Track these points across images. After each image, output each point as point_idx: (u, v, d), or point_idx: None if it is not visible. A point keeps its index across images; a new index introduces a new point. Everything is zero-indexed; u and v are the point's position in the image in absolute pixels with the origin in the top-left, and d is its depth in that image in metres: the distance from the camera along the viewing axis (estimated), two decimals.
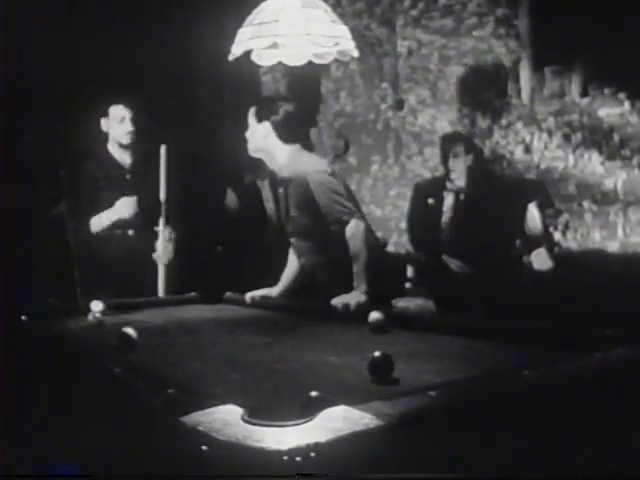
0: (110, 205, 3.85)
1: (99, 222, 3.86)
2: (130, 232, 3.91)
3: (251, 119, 3.23)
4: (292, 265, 3.38)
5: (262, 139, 3.20)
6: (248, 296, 3.27)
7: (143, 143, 3.94)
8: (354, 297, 2.93)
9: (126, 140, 3.88)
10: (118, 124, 3.87)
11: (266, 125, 3.18)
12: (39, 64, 4.62)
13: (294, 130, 3.25)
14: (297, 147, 3.23)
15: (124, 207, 3.83)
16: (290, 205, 3.22)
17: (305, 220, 3.18)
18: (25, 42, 4.51)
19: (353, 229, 3.06)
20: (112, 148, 3.95)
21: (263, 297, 3.26)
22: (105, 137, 3.95)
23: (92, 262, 3.90)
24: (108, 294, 3.27)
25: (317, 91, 5.59)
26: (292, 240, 3.32)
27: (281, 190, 3.27)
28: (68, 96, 4.67)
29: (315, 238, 3.20)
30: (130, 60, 4.78)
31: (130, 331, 2.23)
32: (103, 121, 3.91)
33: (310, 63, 3.52)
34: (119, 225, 3.86)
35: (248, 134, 3.26)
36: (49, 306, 3.19)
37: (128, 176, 3.96)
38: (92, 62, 4.74)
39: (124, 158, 3.95)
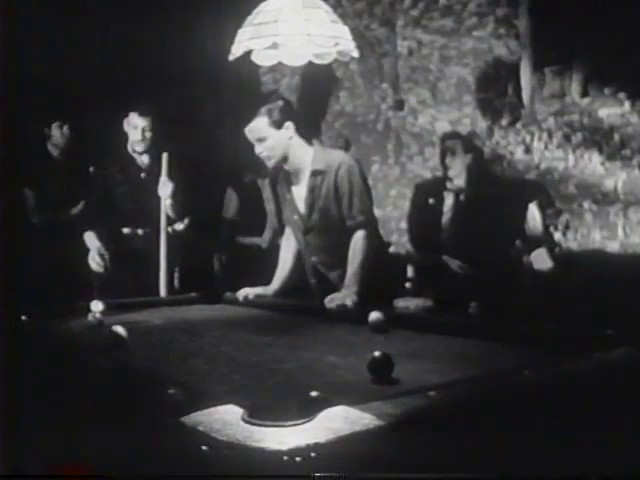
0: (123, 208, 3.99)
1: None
2: (139, 231, 3.96)
3: (266, 131, 3.08)
4: (286, 264, 3.35)
5: (287, 142, 3.10)
6: (242, 294, 3.26)
7: (156, 147, 4.00)
8: (345, 296, 2.94)
9: (139, 147, 4.01)
10: (133, 130, 3.99)
11: (288, 126, 3.09)
12: (61, 63, 4.68)
13: (310, 120, 3.18)
14: (317, 144, 3.22)
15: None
16: (317, 198, 3.15)
17: (332, 212, 3.14)
18: (35, 41, 4.57)
19: (358, 241, 3.09)
20: (130, 148, 4.06)
21: (258, 296, 3.25)
22: (125, 137, 4.04)
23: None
24: (121, 293, 3.31)
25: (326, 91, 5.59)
26: (306, 238, 3.26)
27: (308, 184, 3.17)
28: (80, 97, 4.71)
29: (335, 234, 3.16)
30: (132, 61, 4.80)
31: (120, 329, 2.23)
32: (125, 122, 4.01)
33: (310, 63, 3.53)
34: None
35: (264, 148, 3.11)
36: (49, 306, 3.19)
37: (143, 175, 4.05)
38: (99, 62, 4.78)
39: (141, 158, 4.05)
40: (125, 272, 3.88)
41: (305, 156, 3.16)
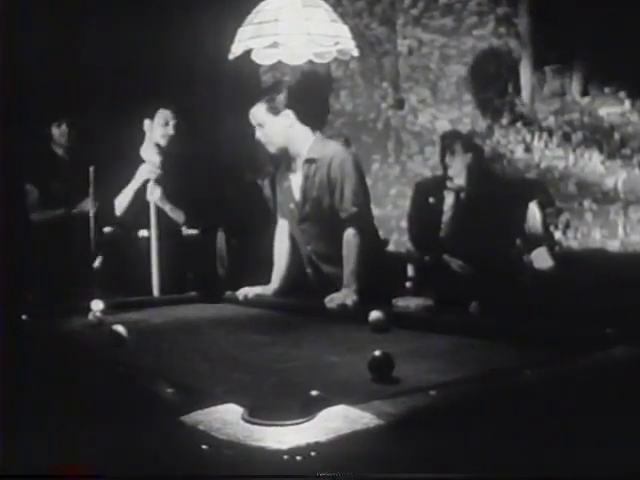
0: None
1: (122, 199, 4.04)
2: (142, 233, 3.99)
3: (265, 117, 3.13)
4: (281, 259, 3.34)
5: (287, 130, 3.12)
6: (241, 293, 3.26)
7: (176, 146, 4.07)
8: (346, 296, 2.93)
9: (164, 142, 4.04)
10: (161, 127, 4.04)
11: (287, 113, 3.11)
12: (67, 63, 4.70)
13: (312, 109, 3.16)
14: (319, 134, 3.20)
15: (144, 172, 3.96)
16: (311, 187, 3.15)
17: (324, 203, 3.14)
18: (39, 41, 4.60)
19: (349, 238, 3.07)
20: (144, 149, 4.06)
21: (258, 295, 3.24)
22: (142, 138, 4.05)
23: (110, 261, 3.98)
24: (122, 293, 3.33)
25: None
26: (301, 227, 3.25)
27: (301, 172, 3.18)
28: (79, 96, 4.73)
29: (328, 224, 3.16)
30: (132, 61, 4.81)
31: (120, 328, 2.23)
32: (147, 122, 4.03)
33: (310, 62, 3.53)
34: (139, 199, 3.97)
35: (263, 134, 3.15)
36: (49, 306, 3.19)
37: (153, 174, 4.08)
38: (99, 62, 4.79)
39: (154, 158, 4.05)
40: (128, 273, 3.93)
41: (304, 144, 3.17)
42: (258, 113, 3.15)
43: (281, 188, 3.34)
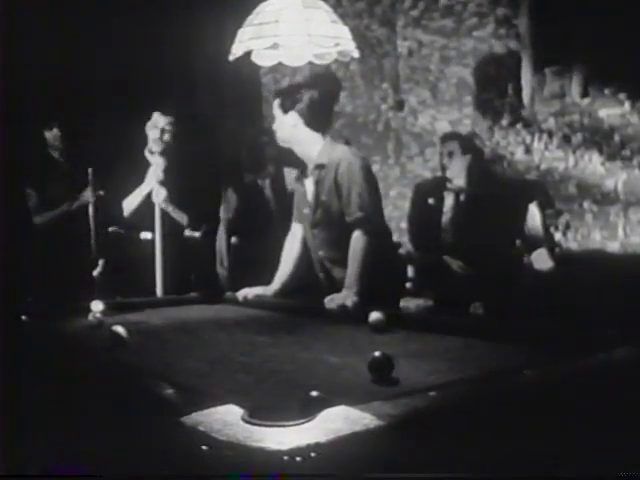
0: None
1: (131, 201, 4.11)
2: (145, 236, 4.02)
3: (276, 110, 3.17)
4: (287, 264, 3.34)
5: (291, 129, 3.15)
6: (241, 294, 3.26)
7: (174, 149, 4.12)
8: (346, 297, 2.93)
9: (156, 147, 4.10)
10: (154, 129, 4.11)
11: (293, 115, 3.12)
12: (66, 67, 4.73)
13: (322, 117, 3.17)
14: (329, 138, 3.20)
15: (154, 175, 4.04)
16: (321, 192, 3.16)
17: (334, 208, 3.15)
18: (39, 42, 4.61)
19: (355, 240, 3.08)
20: (148, 152, 4.13)
21: (258, 296, 3.24)
22: (145, 141, 4.11)
23: (114, 262, 4.02)
24: (124, 294, 3.35)
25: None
26: (314, 232, 3.26)
27: (312, 177, 3.19)
28: (77, 98, 4.75)
29: (338, 229, 3.16)
30: (132, 62, 4.81)
31: (120, 329, 2.23)
32: (149, 124, 4.10)
33: (310, 64, 3.53)
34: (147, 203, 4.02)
35: (275, 126, 3.22)
36: (49, 307, 3.19)
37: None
38: (98, 62, 4.80)
39: (157, 160, 4.11)
40: (132, 274, 3.95)
41: (313, 149, 3.17)
42: (274, 105, 3.21)
43: (297, 193, 3.35)
